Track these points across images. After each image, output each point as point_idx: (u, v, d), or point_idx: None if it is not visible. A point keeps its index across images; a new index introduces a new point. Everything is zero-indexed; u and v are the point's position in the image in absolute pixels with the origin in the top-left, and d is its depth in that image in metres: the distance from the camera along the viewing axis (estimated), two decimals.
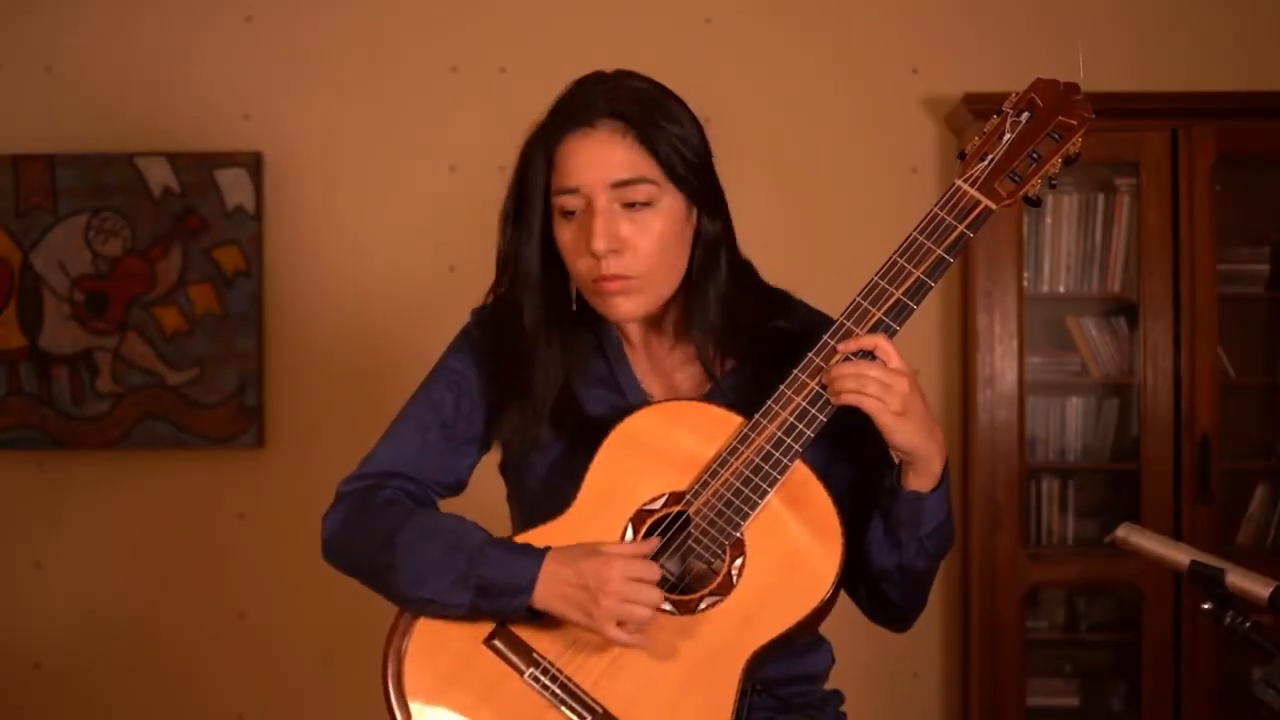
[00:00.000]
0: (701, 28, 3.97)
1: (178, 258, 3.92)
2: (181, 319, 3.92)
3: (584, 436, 1.78)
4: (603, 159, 1.75)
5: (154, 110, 3.96)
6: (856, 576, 1.78)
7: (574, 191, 1.76)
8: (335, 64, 3.98)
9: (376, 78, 3.98)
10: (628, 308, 1.78)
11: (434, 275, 3.88)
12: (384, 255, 3.96)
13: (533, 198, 1.79)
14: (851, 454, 1.80)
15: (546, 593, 1.68)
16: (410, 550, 1.74)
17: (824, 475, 1.73)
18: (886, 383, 1.65)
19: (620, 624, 1.66)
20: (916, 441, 1.67)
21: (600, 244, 1.73)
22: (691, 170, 1.78)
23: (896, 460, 1.73)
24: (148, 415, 3.92)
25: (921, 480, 1.71)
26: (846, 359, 1.67)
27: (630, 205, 1.75)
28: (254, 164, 3.92)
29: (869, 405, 1.65)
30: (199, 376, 3.91)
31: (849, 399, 1.66)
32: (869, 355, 1.67)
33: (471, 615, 1.72)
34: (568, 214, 1.77)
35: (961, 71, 3.90)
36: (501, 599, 1.69)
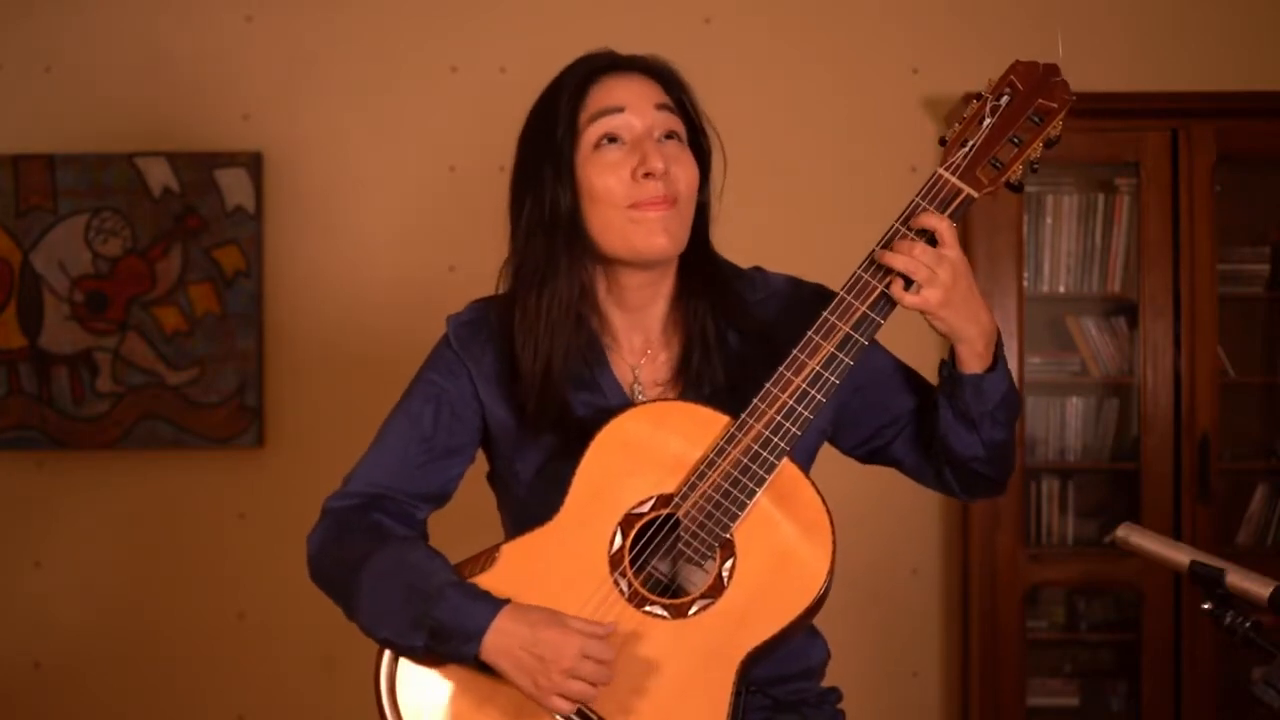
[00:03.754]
0: (701, 28, 3.97)
1: (178, 258, 3.92)
2: (181, 319, 3.92)
3: (571, 440, 1.76)
4: (642, 89, 1.79)
5: (154, 110, 3.96)
6: (940, 465, 1.84)
7: (620, 110, 1.77)
8: (335, 64, 3.98)
9: (376, 78, 3.98)
10: (664, 240, 1.77)
11: (434, 275, 3.88)
12: (384, 255, 3.95)
13: (563, 134, 1.77)
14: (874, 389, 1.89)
15: (495, 647, 1.66)
16: (373, 587, 1.73)
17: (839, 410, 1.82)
18: (931, 265, 1.66)
19: (562, 696, 1.65)
20: (956, 325, 1.71)
21: (658, 161, 1.74)
22: (699, 133, 1.83)
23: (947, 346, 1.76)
24: (148, 415, 3.91)
25: (973, 362, 1.74)
26: (906, 238, 1.68)
27: (669, 136, 1.79)
28: (254, 164, 3.92)
29: (918, 276, 1.66)
30: (199, 376, 3.91)
31: (897, 263, 1.67)
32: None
33: (428, 657, 1.71)
34: (610, 140, 1.77)
35: (961, 71, 3.89)
36: (451, 643, 1.67)
